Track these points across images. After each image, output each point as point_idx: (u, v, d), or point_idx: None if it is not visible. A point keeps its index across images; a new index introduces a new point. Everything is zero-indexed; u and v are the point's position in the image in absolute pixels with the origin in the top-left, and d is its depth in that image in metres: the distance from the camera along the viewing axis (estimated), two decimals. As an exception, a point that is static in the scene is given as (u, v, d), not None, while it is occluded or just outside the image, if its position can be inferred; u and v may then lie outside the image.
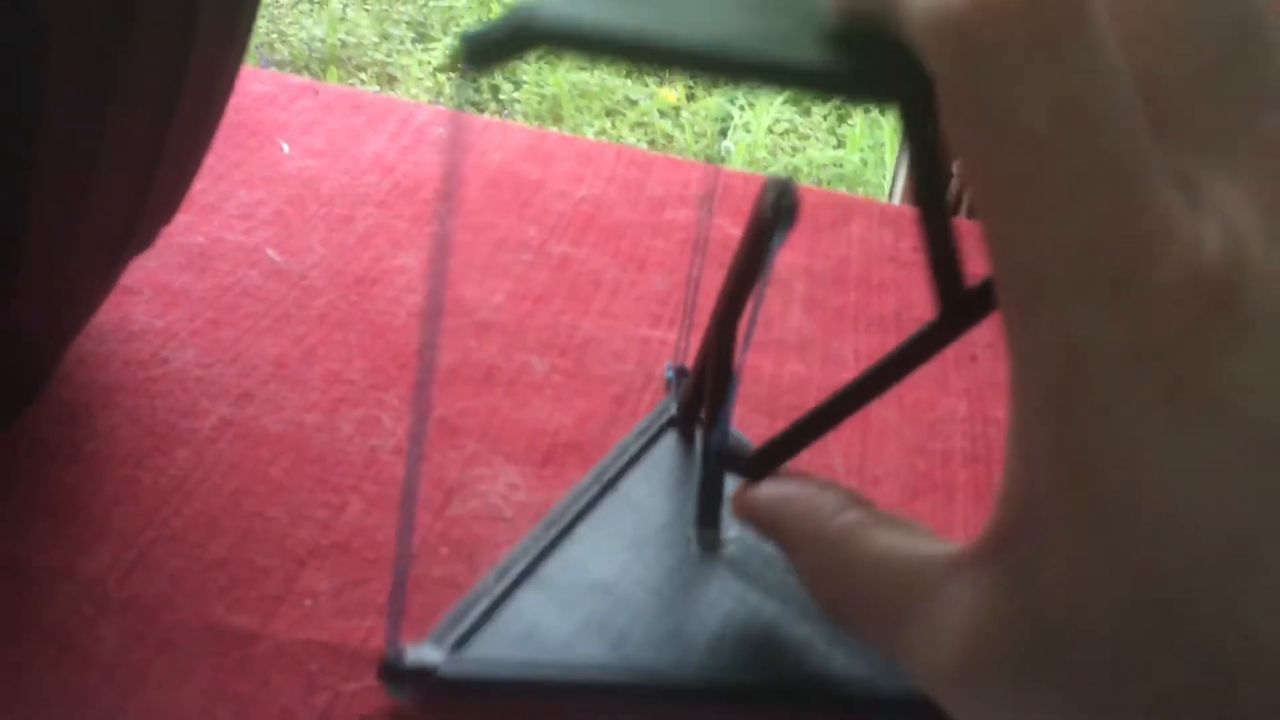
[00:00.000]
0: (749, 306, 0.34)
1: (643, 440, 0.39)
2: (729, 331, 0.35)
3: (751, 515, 0.25)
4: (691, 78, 0.17)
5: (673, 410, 0.41)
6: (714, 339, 0.36)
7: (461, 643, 0.31)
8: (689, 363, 0.42)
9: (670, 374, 0.43)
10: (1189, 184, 0.15)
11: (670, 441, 0.40)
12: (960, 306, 0.22)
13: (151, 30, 0.28)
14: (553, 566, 0.34)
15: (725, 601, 0.34)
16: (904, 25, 0.17)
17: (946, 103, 0.16)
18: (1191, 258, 0.15)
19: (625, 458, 0.38)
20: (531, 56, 0.17)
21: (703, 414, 0.38)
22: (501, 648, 0.31)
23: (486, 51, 0.17)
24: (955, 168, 0.66)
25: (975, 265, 0.22)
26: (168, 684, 0.30)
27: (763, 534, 0.24)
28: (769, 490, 0.24)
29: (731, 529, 0.36)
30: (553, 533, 0.35)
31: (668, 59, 0.17)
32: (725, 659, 0.32)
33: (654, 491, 0.37)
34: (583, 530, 0.35)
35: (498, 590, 0.33)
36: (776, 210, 0.27)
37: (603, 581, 0.34)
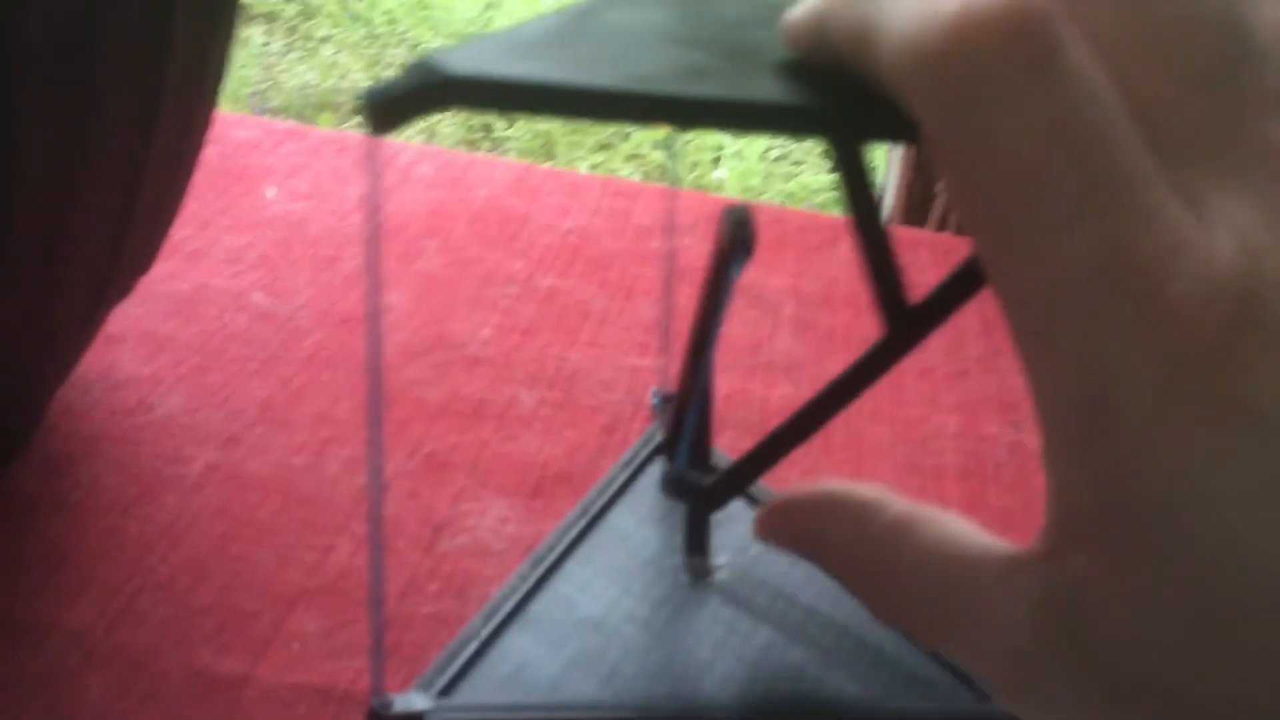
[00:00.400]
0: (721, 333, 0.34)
1: (629, 470, 0.39)
2: (699, 359, 0.35)
3: (784, 527, 0.23)
4: (612, 121, 0.17)
5: (659, 437, 0.40)
6: (686, 369, 0.35)
7: (449, 688, 0.31)
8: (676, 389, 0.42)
9: (656, 400, 0.43)
10: (1192, 198, 0.15)
11: (657, 471, 0.39)
12: (906, 324, 0.21)
13: (121, 80, 0.28)
14: (540, 605, 0.34)
15: (716, 630, 0.33)
16: (880, 66, 0.17)
17: (937, 141, 0.16)
18: (1207, 269, 0.15)
19: (612, 489, 0.38)
20: (440, 110, 0.17)
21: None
22: (490, 691, 0.31)
23: (391, 109, 0.17)
24: (939, 187, 0.66)
25: (921, 277, 0.22)
26: (155, 733, 0.30)
27: (793, 547, 0.23)
28: (798, 499, 0.23)
29: (720, 555, 0.36)
30: (540, 570, 0.35)
31: (583, 105, 0.17)
32: (718, 689, 0.32)
33: (641, 522, 0.37)
34: (570, 566, 0.35)
35: (485, 632, 0.32)
36: (734, 240, 0.27)
37: (591, 618, 0.33)
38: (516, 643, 0.32)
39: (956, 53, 0.15)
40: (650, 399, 0.44)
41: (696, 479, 0.32)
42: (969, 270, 0.21)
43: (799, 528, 0.23)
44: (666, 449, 0.40)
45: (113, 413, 0.40)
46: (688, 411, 0.35)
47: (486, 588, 0.36)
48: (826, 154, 0.20)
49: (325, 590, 0.35)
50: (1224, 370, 0.14)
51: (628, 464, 0.40)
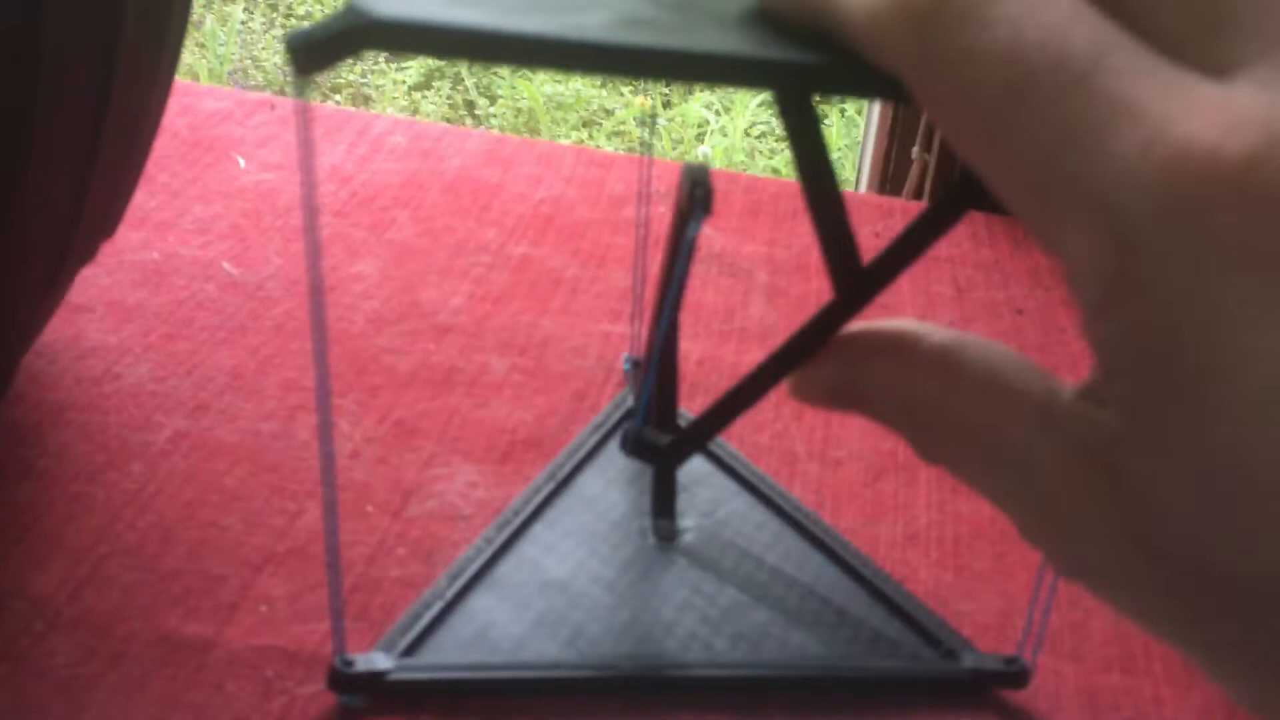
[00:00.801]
0: (687, 295, 0.34)
1: (599, 435, 0.39)
2: (662, 319, 0.35)
3: (822, 378, 0.22)
4: (545, 69, 0.17)
5: (629, 402, 0.40)
6: (652, 330, 0.35)
7: (413, 648, 0.31)
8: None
9: (628, 366, 0.43)
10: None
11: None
12: (856, 283, 0.21)
13: (74, 41, 0.28)
14: (506, 567, 0.34)
15: (681, 591, 0.33)
16: (846, 26, 0.17)
17: (916, 79, 0.16)
18: (1222, 106, 0.14)
19: (581, 453, 0.38)
20: (367, 54, 0.17)
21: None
22: (453, 651, 0.31)
23: (316, 51, 0.16)
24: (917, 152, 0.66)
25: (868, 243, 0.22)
26: (121, 696, 0.30)
27: (834, 399, 0.22)
28: (833, 347, 0.22)
29: (687, 518, 0.36)
30: (506, 533, 0.35)
31: (514, 52, 0.17)
32: (681, 648, 0.32)
33: (609, 485, 0.37)
34: (537, 529, 0.35)
35: (449, 594, 0.32)
36: (691, 198, 0.27)
37: (557, 579, 0.33)
38: (481, 604, 0.32)
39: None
40: (622, 365, 0.44)
41: (656, 436, 0.32)
42: (919, 230, 0.21)
43: (838, 375, 0.21)
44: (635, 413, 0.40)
45: (80, 381, 0.40)
46: (650, 372, 0.35)
47: (455, 552, 0.36)
48: (776, 109, 0.19)
49: (293, 555, 0.35)
50: (1254, 205, 0.14)
51: (597, 428, 0.40)
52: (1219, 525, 0.15)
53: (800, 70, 0.18)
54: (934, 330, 0.19)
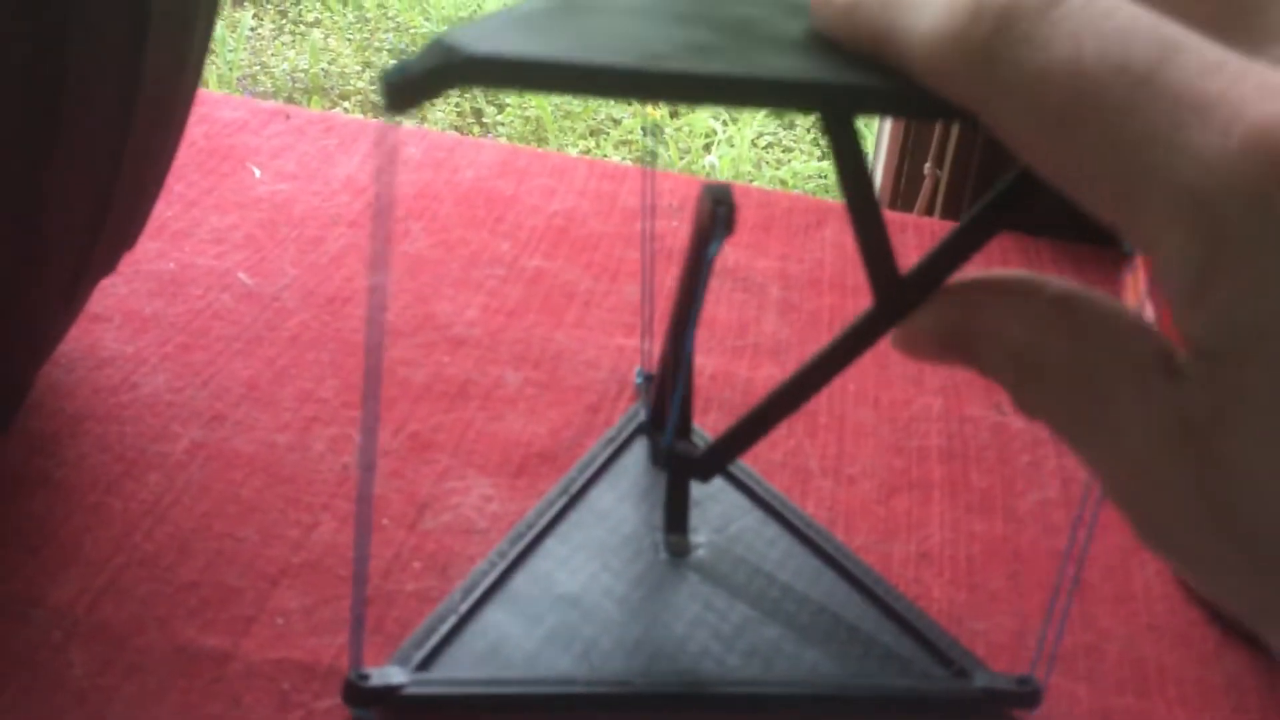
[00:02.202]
0: (703, 312, 0.34)
1: (611, 448, 0.39)
2: (677, 341, 0.35)
3: (936, 323, 0.21)
4: (625, 99, 0.17)
5: (642, 416, 0.41)
6: (668, 346, 0.36)
7: (426, 662, 0.31)
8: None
9: (640, 380, 0.43)
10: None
11: (639, 448, 0.40)
12: (895, 294, 0.22)
13: (99, 53, 0.28)
14: (519, 581, 0.34)
15: (693, 606, 0.34)
16: (905, 56, 0.17)
17: (984, 106, 0.16)
18: None
19: (593, 467, 0.38)
20: (459, 89, 0.17)
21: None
22: (466, 666, 0.31)
23: (410, 89, 0.17)
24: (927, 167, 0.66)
25: (908, 261, 0.22)
26: (138, 707, 0.30)
27: (941, 347, 0.21)
28: (945, 292, 0.21)
29: (699, 533, 0.36)
30: (519, 547, 0.35)
31: (602, 83, 0.17)
32: (693, 664, 0.32)
33: (622, 500, 0.37)
34: (550, 543, 0.35)
35: (463, 608, 0.32)
36: (713, 217, 0.27)
37: (570, 594, 0.33)
38: (494, 618, 0.32)
39: (982, 16, 0.16)
40: (634, 378, 0.44)
41: (687, 450, 0.32)
42: (958, 241, 0.22)
43: (951, 319, 0.20)
44: (649, 427, 0.40)
45: (97, 391, 0.40)
46: (673, 388, 0.35)
47: (469, 566, 0.36)
48: (821, 126, 0.20)
49: (309, 567, 0.35)
50: None
51: (610, 442, 0.40)
52: None
53: (849, 90, 0.18)
54: (1054, 279, 0.19)
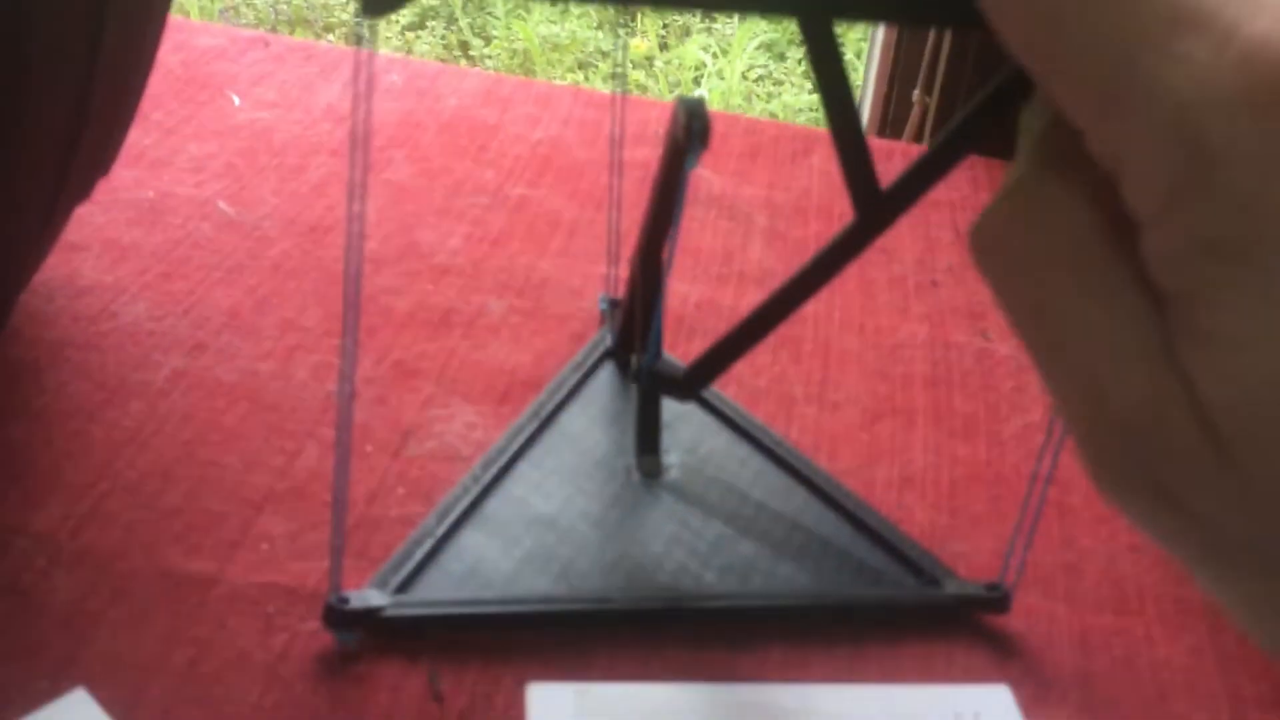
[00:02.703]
0: (685, 238, 0.34)
1: (579, 374, 0.39)
2: (653, 258, 0.35)
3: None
4: (605, 3, 0.17)
5: (608, 341, 0.40)
6: (638, 266, 0.35)
7: (405, 584, 0.31)
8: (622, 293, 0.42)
9: (604, 305, 0.43)
10: None
11: (607, 373, 0.39)
12: (877, 206, 0.21)
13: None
14: (494, 505, 0.34)
15: (669, 525, 0.34)
16: None
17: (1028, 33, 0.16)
18: None
19: (562, 392, 0.38)
20: None
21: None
22: (445, 587, 0.31)
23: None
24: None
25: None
26: (124, 631, 0.30)
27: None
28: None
29: (671, 454, 0.36)
30: (493, 471, 0.35)
31: None
32: (670, 581, 0.32)
33: (591, 424, 0.37)
34: (522, 467, 0.35)
35: (440, 531, 0.33)
36: (689, 132, 0.27)
37: (545, 516, 0.34)
38: (470, 541, 0.32)
39: None
40: (599, 305, 0.44)
41: (669, 369, 0.32)
42: (934, 158, 0.21)
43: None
44: (616, 353, 0.40)
45: (77, 319, 0.40)
46: (648, 308, 0.35)
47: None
48: (801, 37, 0.19)
49: (293, 493, 0.35)
50: None
51: (577, 367, 0.40)
52: None
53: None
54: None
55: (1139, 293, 0.17)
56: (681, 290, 0.46)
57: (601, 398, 0.38)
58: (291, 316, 0.42)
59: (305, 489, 0.35)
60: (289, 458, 0.36)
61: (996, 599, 0.33)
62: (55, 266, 0.42)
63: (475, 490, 0.34)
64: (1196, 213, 0.15)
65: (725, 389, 0.41)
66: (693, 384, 0.29)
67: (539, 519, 0.33)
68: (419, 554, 0.32)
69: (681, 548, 0.33)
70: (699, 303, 0.46)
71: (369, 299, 0.43)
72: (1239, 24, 0.14)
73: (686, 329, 0.44)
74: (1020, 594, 0.35)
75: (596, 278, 0.46)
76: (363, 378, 0.40)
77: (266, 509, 0.34)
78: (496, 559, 0.32)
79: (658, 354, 0.35)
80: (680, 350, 0.43)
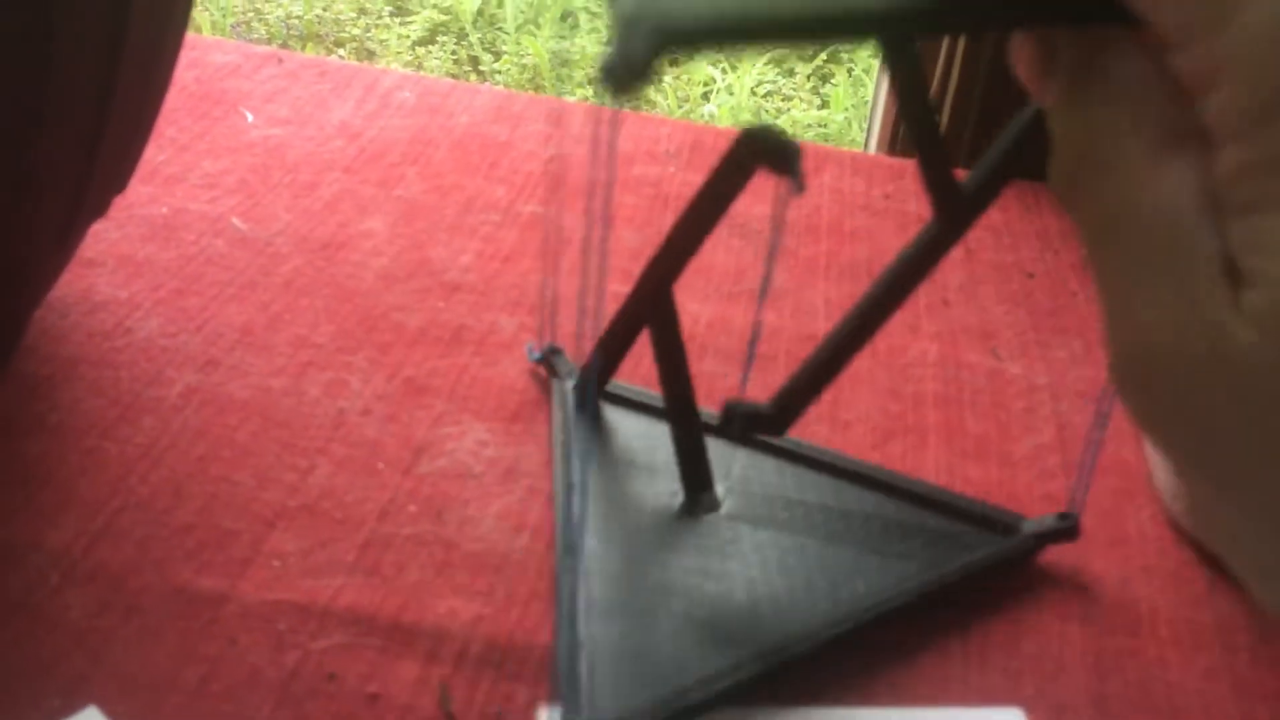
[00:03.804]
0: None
1: (574, 430, 0.38)
2: (667, 289, 0.35)
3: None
4: (800, 45, 0.17)
5: (570, 391, 0.40)
6: (650, 298, 0.35)
7: (597, 704, 0.30)
8: (554, 338, 0.41)
9: (537, 356, 0.41)
10: None
11: (589, 424, 0.39)
12: (958, 208, 0.22)
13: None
14: (604, 591, 0.33)
15: (767, 553, 0.34)
16: None
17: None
18: None
19: (573, 456, 0.37)
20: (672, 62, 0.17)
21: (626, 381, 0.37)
22: (632, 694, 0.30)
23: (633, 74, 0.16)
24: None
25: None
26: (135, 648, 0.30)
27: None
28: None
29: (719, 484, 0.36)
30: (577, 560, 0.33)
31: (777, 33, 0.17)
32: (809, 610, 0.32)
33: (619, 477, 0.37)
34: (592, 544, 0.34)
35: (583, 636, 0.31)
36: (783, 156, 0.26)
37: (659, 584, 0.33)
38: (615, 636, 0.31)
39: None
40: (528, 354, 0.42)
41: (757, 408, 0.32)
42: (1005, 162, 0.22)
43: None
44: (593, 394, 0.39)
45: (91, 335, 0.40)
46: (663, 342, 0.35)
47: (465, 510, 0.36)
48: (881, 54, 0.20)
49: (305, 510, 0.35)
50: None
51: (564, 426, 0.38)
52: None
53: (907, 14, 0.18)
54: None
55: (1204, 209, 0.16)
56: (693, 309, 0.46)
57: (610, 447, 0.38)
58: (304, 333, 0.42)
59: (317, 506, 0.35)
60: (301, 474, 0.36)
61: (1068, 528, 0.35)
62: (70, 282, 0.42)
63: (579, 583, 0.32)
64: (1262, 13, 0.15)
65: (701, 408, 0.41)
66: (781, 422, 0.29)
67: (653, 589, 0.33)
68: (584, 671, 0.30)
69: (793, 577, 0.33)
70: (710, 322, 0.46)
71: (381, 316, 0.43)
72: None
73: (697, 347, 0.44)
74: (1034, 615, 0.35)
75: (608, 296, 0.46)
76: (374, 394, 0.40)
77: (278, 526, 0.34)
78: (650, 647, 0.31)
79: (690, 387, 0.35)
80: (694, 369, 0.43)
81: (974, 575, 0.34)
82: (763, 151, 0.27)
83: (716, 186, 0.32)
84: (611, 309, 0.45)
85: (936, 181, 0.22)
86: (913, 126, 0.21)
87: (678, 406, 0.35)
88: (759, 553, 0.34)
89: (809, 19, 0.17)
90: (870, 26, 0.18)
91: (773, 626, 0.32)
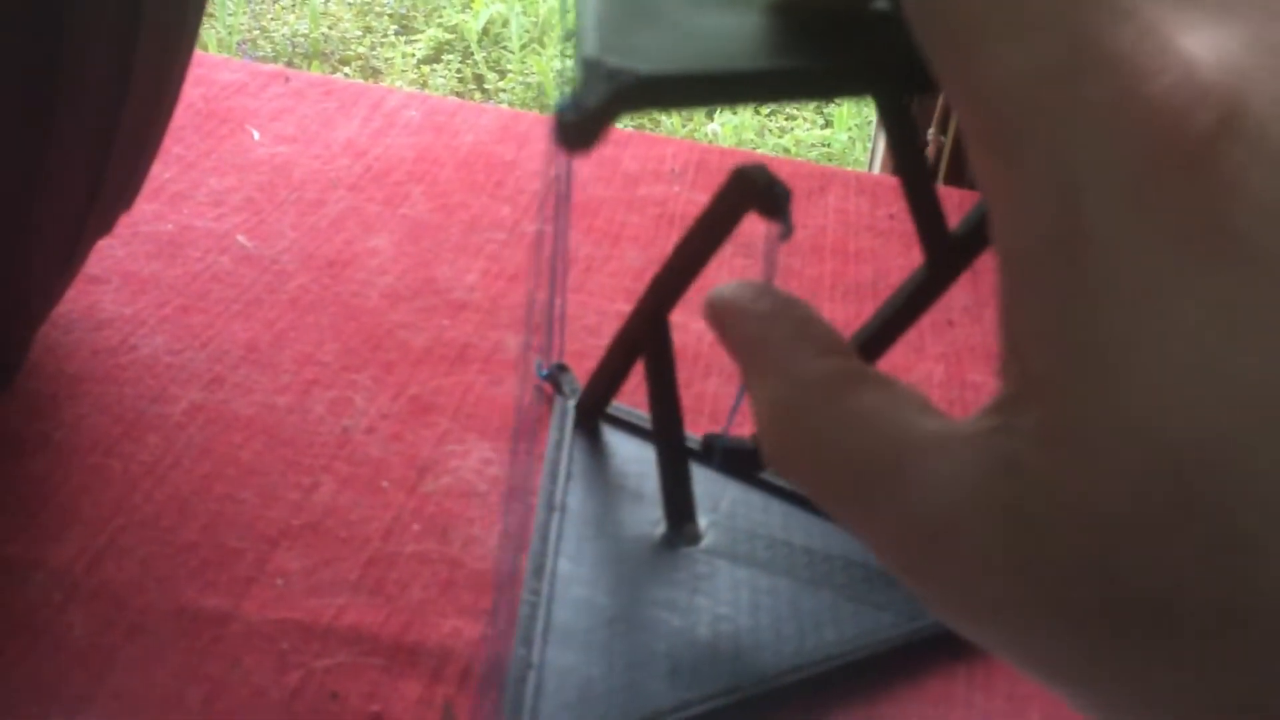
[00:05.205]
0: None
1: (566, 452, 0.38)
2: (664, 317, 0.35)
3: (720, 321, 0.21)
4: (761, 103, 0.17)
5: (570, 411, 0.40)
6: (645, 325, 0.35)
7: None
8: (561, 357, 0.41)
9: (544, 373, 0.41)
10: (1170, 23, 0.14)
11: (586, 444, 0.39)
12: (949, 255, 0.22)
13: (96, 12, 0.28)
14: (564, 615, 0.33)
15: (742, 592, 0.33)
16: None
17: (912, 13, 0.15)
18: (1189, 72, 0.13)
19: (561, 475, 0.37)
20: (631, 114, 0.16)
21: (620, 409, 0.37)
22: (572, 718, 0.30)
23: (588, 125, 0.16)
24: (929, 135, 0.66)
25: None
26: (139, 667, 0.30)
27: (723, 342, 0.21)
28: (744, 298, 0.20)
29: (704, 517, 0.36)
30: (546, 580, 0.33)
31: (742, 91, 0.17)
32: (777, 648, 0.32)
33: (604, 503, 0.37)
34: (565, 566, 0.34)
35: (534, 659, 0.31)
36: (770, 197, 0.26)
37: (619, 614, 0.33)
38: (565, 662, 0.31)
39: None
40: (536, 370, 0.42)
41: (740, 442, 0.32)
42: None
43: (728, 333, 0.20)
44: (589, 417, 0.39)
45: (95, 352, 0.40)
46: (672, 372, 0.35)
47: (469, 529, 0.36)
48: (877, 109, 0.20)
49: (309, 529, 0.35)
50: (1202, 183, 0.13)
51: (559, 445, 0.38)
52: (1136, 534, 0.13)
53: (900, 75, 0.18)
54: (831, 353, 0.19)
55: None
56: (696, 327, 0.46)
57: (593, 473, 0.38)
58: (309, 351, 0.42)
59: (320, 524, 0.35)
60: (305, 493, 0.36)
61: None
62: (74, 299, 0.42)
63: (541, 606, 0.33)
64: (1054, 270, 0.14)
65: (739, 431, 0.41)
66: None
67: (615, 619, 0.33)
68: (529, 692, 0.30)
69: (765, 614, 0.33)
70: (714, 340, 0.46)
71: (386, 334, 0.43)
72: (1142, 79, 0.13)
73: (703, 367, 0.44)
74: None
75: (613, 315, 0.46)
76: (379, 413, 0.40)
77: (282, 544, 0.34)
78: (601, 675, 0.31)
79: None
80: (696, 389, 0.43)
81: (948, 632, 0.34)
82: (752, 194, 0.27)
83: (710, 222, 0.32)
84: (615, 328, 0.45)
85: (928, 228, 0.22)
86: (906, 177, 0.21)
87: (664, 436, 0.35)
88: (733, 590, 0.34)
89: (766, 86, 0.17)
90: (808, 92, 0.18)
91: (731, 667, 0.31)
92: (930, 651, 0.33)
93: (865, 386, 0.18)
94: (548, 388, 0.42)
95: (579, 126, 0.16)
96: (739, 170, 0.28)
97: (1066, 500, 0.14)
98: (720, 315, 0.21)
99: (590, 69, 0.16)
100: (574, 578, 0.34)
